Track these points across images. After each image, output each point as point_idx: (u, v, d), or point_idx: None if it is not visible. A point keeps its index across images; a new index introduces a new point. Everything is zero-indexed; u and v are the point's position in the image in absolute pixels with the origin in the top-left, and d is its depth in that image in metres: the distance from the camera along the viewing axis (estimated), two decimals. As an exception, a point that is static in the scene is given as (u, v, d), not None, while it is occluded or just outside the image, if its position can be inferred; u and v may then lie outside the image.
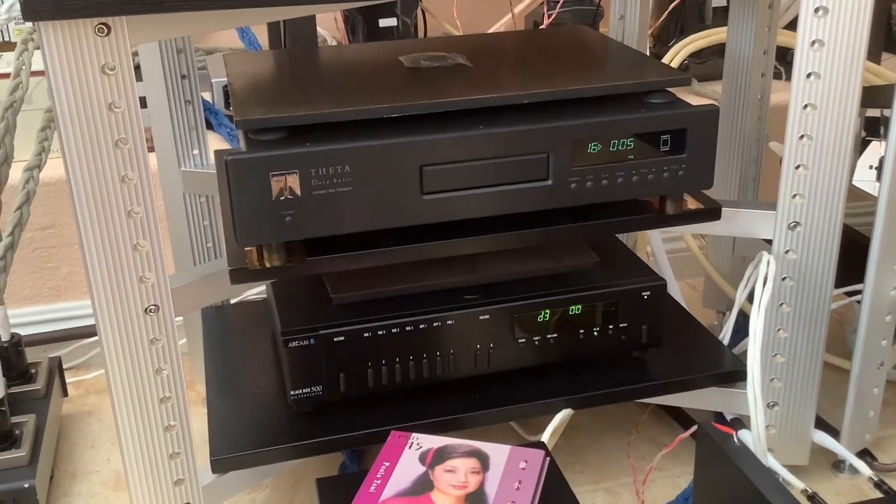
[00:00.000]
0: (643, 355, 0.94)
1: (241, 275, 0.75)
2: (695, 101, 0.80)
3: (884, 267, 0.89)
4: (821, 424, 0.96)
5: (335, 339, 0.83)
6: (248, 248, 0.76)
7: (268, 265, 0.75)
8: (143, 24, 0.66)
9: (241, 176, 0.70)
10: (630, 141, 0.78)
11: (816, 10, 0.78)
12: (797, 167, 0.83)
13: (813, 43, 0.79)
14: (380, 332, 0.84)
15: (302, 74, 0.88)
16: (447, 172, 0.75)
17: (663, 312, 0.91)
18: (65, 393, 1.14)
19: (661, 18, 1.52)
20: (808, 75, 0.80)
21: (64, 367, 1.14)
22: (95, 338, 0.87)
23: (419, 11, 1.46)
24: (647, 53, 1.48)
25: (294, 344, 0.82)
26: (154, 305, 0.73)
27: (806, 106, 0.81)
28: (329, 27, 1.51)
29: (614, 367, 0.93)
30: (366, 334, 0.83)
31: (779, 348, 0.90)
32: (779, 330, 0.90)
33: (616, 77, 0.82)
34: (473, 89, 0.79)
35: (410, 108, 0.75)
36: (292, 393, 0.83)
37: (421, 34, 1.50)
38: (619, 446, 1.04)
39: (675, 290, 1.22)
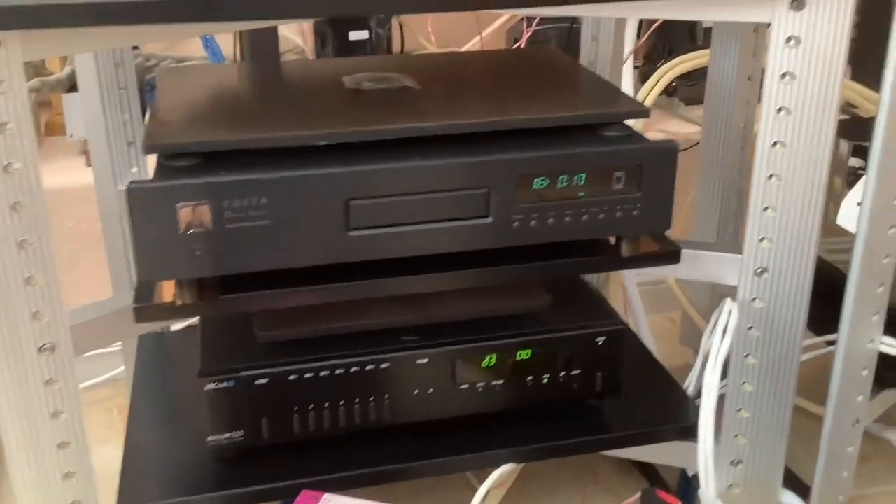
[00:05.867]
0: (599, 404, 0.87)
1: (145, 313, 0.68)
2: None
3: (859, 316, 0.82)
4: (791, 481, 0.89)
5: (257, 382, 0.76)
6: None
7: (177, 303, 0.69)
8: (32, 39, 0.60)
9: (143, 206, 0.64)
10: (580, 177, 0.72)
11: (788, 39, 0.71)
12: (765, 209, 0.77)
13: (783, 76, 0.72)
14: (307, 375, 0.77)
15: (234, 94, 0.82)
16: (376, 207, 0.68)
17: (621, 359, 0.84)
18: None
19: (643, 39, 1.45)
20: (779, 110, 0.73)
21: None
22: None
23: (394, 24, 1.40)
24: (632, 74, 1.42)
25: (212, 386, 0.76)
26: (50, 344, 0.67)
27: (775, 143, 0.74)
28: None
29: (567, 417, 0.86)
30: (292, 377, 0.77)
31: (743, 402, 0.83)
32: (744, 383, 0.83)
33: (570, 107, 0.76)
34: (413, 116, 0.72)
35: (338, 136, 0.68)
36: (210, 438, 0.77)
37: (397, 49, 1.44)
38: (575, 498, 0.97)
39: (645, 328, 1.15)
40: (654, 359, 0.97)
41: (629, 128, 0.75)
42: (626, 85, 1.34)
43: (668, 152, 0.73)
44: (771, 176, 0.76)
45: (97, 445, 0.73)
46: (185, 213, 0.65)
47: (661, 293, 1.29)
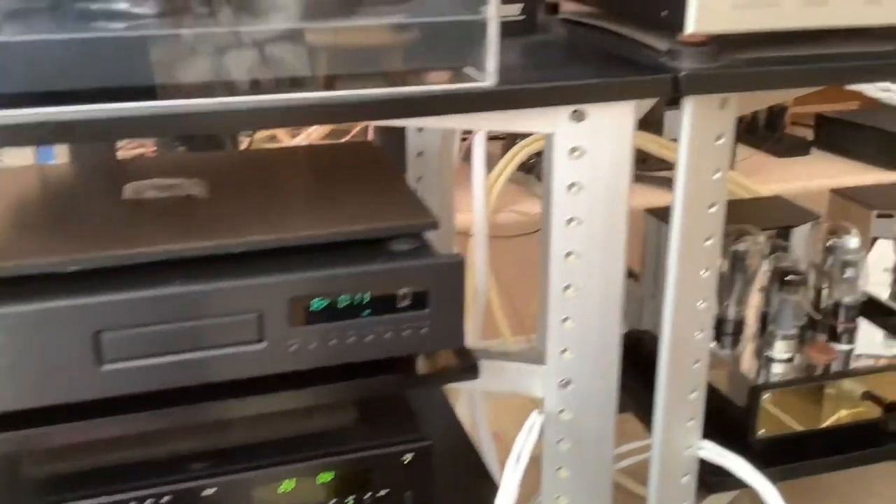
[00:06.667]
0: (414, 522, 0.82)
1: None
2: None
3: (672, 422, 0.80)
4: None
5: (19, 525, 0.69)
6: None
7: None
8: None
9: None
10: (363, 297, 0.68)
11: (572, 150, 0.69)
12: (564, 320, 0.74)
13: (570, 186, 0.70)
14: (77, 514, 0.71)
15: None
16: (133, 338, 0.63)
17: (430, 477, 0.79)
18: None
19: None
20: (569, 221, 0.71)
21: None
22: None
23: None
24: (483, 150, 1.40)
25: (-34, 532, 0.69)
26: None
27: (569, 254, 0.72)
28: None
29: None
30: (59, 517, 0.70)
31: (558, 518, 0.80)
32: (558, 497, 0.79)
33: (356, 220, 0.72)
34: (185, 233, 0.68)
35: (87, 262, 0.63)
36: (-33, 589, 0.70)
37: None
38: None
39: (486, 436, 1.11)
40: (485, 471, 0.93)
41: (421, 239, 0.71)
42: (477, 162, 1.32)
43: (454, 267, 0.69)
44: (567, 287, 0.73)
45: None
46: None
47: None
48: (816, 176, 1.55)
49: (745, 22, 0.67)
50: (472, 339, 1.30)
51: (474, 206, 1.32)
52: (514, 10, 0.83)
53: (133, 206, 0.74)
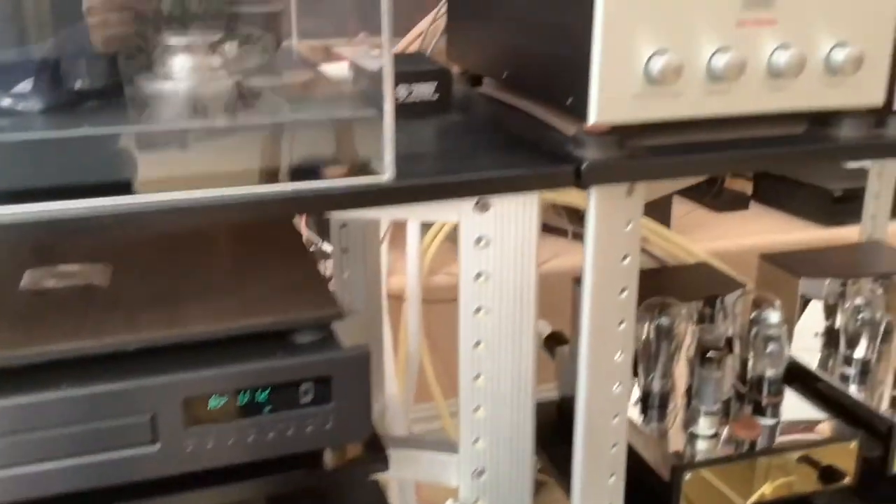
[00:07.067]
0: None
1: None
2: None
3: (591, 473, 0.78)
4: None
5: None
6: None
7: None
8: None
9: None
10: (263, 393, 0.66)
11: (478, 240, 0.68)
12: (475, 409, 0.73)
13: (477, 276, 0.69)
14: None
15: None
16: (14, 445, 0.61)
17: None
18: None
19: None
20: (477, 310, 0.70)
21: None
22: None
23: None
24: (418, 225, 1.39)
25: None
26: None
27: (478, 343, 0.71)
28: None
29: None
30: None
31: None
32: (475, 588, 0.77)
33: (261, 310, 0.70)
34: (75, 332, 0.65)
35: (-34, 366, 0.61)
36: None
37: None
38: None
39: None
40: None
41: (326, 330, 0.70)
42: (411, 225, 1.31)
43: (359, 360, 0.68)
44: (478, 376, 0.72)
45: None
46: None
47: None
48: (754, 232, 1.56)
49: (647, 112, 0.67)
50: (404, 403, 1.28)
51: (408, 269, 1.31)
52: (429, 90, 0.83)
53: (30, 297, 0.71)
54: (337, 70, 0.91)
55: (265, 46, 0.73)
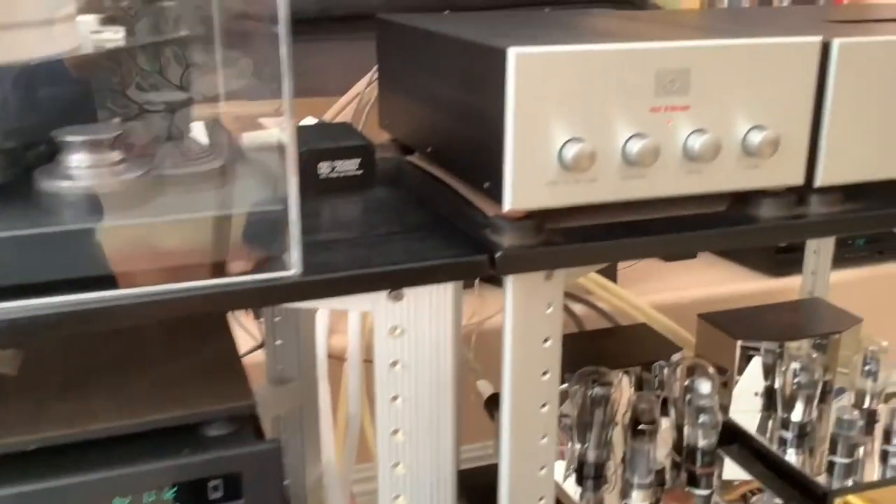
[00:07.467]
0: None
1: None
2: None
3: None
4: None
5: None
6: None
7: None
8: None
9: None
10: (170, 492, 0.64)
11: (392, 329, 0.67)
12: (395, 497, 0.71)
13: (393, 364, 0.68)
14: None
15: None
16: None
17: None
18: None
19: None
20: (394, 398, 0.69)
21: None
22: None
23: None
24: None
25: None
26: None
27: (395, 431, 0.69)
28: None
29: None
30: None
31: None
32: None
33: (170, 402, 0.68)
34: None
35: None
36: None
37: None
38: None
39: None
40: None
41: (239, 422, 0.68)
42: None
43: (270, 454, 0.66)
44: (396, 464, 0.70)
45: None
46: None
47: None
48: (699, 284, 1.56)
49: (564, 197, 0.66)
50: (344, 466, 1.26)
51: (349, 329, 1.29)
52: (353, 166, 0.82)
53: (-68, 389, 0.69)
54: (263, 138, 0.90)
55: (180, 128, 0.72)
